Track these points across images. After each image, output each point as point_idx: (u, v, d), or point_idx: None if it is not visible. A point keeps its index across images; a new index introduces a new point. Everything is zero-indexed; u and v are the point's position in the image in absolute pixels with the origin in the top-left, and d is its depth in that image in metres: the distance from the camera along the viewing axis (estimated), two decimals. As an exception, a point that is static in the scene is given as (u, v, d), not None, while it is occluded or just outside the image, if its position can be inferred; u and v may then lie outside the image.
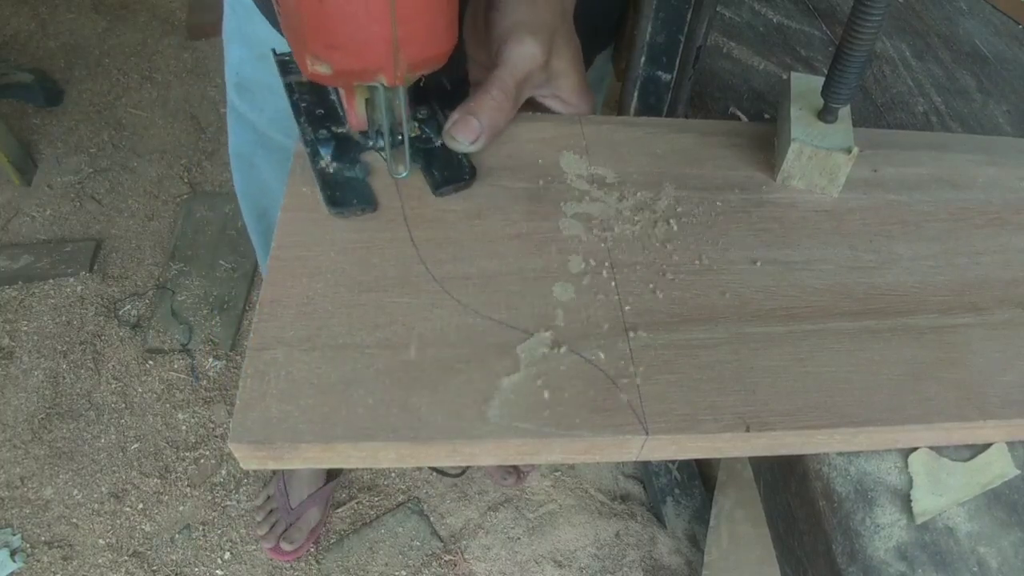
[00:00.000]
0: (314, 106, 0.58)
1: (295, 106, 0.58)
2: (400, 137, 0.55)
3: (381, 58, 0.46)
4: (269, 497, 1.36)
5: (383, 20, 0.44)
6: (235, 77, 0.82)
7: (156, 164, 1.99)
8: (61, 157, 1.96)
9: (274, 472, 1.38)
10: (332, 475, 1.41)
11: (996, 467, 0.49)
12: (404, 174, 0.55)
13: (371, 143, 0.56)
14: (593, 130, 0.64)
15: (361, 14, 0.43)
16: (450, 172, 0.56)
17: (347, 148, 0.57)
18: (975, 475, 0.49)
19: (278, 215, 0.84)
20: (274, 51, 0.61)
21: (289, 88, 0.59)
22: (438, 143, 0.58)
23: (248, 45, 0.79)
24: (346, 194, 0.54)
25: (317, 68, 0.46)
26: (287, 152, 0.81)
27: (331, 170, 0.55)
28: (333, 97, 0.58)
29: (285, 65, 0.61)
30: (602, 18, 0.81)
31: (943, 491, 0.48)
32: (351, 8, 0.43)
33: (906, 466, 0.49)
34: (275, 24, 0.74)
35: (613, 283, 0.52)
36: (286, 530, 1.31)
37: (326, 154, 0.55)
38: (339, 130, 0.57)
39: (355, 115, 0.53)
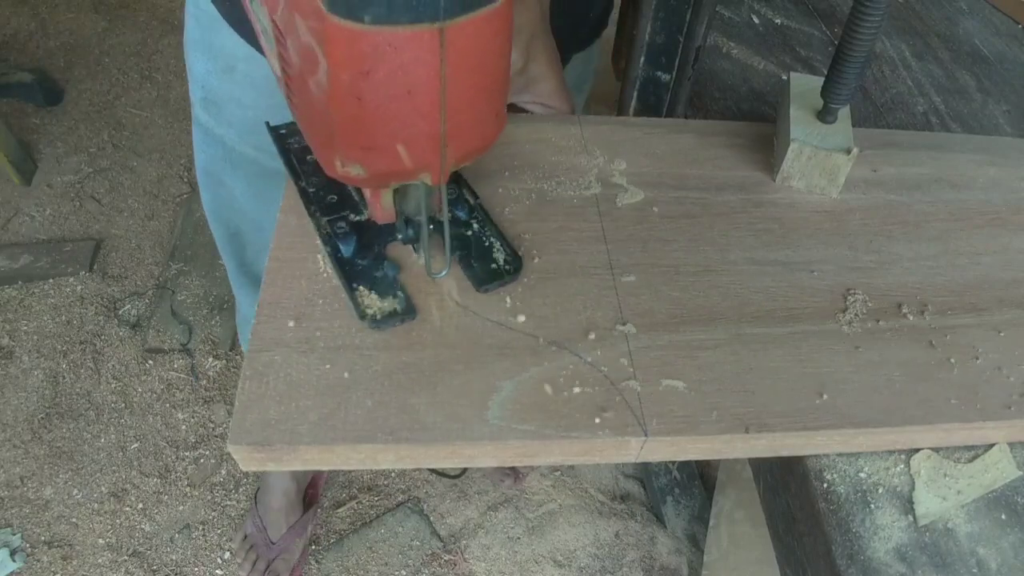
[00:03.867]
0: (324, 191, 0.52)
1: (303, 192, 0.52)
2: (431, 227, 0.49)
3: (426, 157, 0.41)
4: (246, 536, 1.32)
5: (431, 116, 0.38)
6: (200, 91, 0.77)
7: (156, 164, 1.99)
8: (61, 157, 1.96)
9: (249, 507, 1.36)
10: (309, 504, 1.38)
11: (998, 469, 0.49)
12: (444, 273, 0.50)
13: (399, 236, 0.50)
14: (592, 131, 0.64)
15: (406, 112, 0.37)
16: (489, 263, 0.51)
17: (369, 241, 0.51)
18: (977, 477, 0.49)
19: (252, 235, 0.82)
20: (268, 124, 0.57)
21: (292, 170, 0.53)
22: (471, 231, 0.53)
23: (213, 57, 0.74)
24: (376, 304, 0.48)
25: (348, 170, 0.41)
26: (259, 166, 0.78)
27: (357, 269, 0.49)
28: None
29: (283, 140, 0.56)
30: (581, 17, 0.81)
31: (946, 494, 0.48)
32: (395, 106, 0.37)
33: (906, 467, 0.49)
34: (245, 35, 0.69)
35: (613, 283, 0.52)
36: (269, 566, 1.29)
37: (347, 251, 0.50)
38: (357, 218, 0.51)
39: (380, 209, 0.47)
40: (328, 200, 0.52)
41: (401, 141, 0.39)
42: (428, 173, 0.42)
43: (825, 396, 0.47)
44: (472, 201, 0.54)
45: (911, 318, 0.53)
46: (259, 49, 0.52)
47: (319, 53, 0.35)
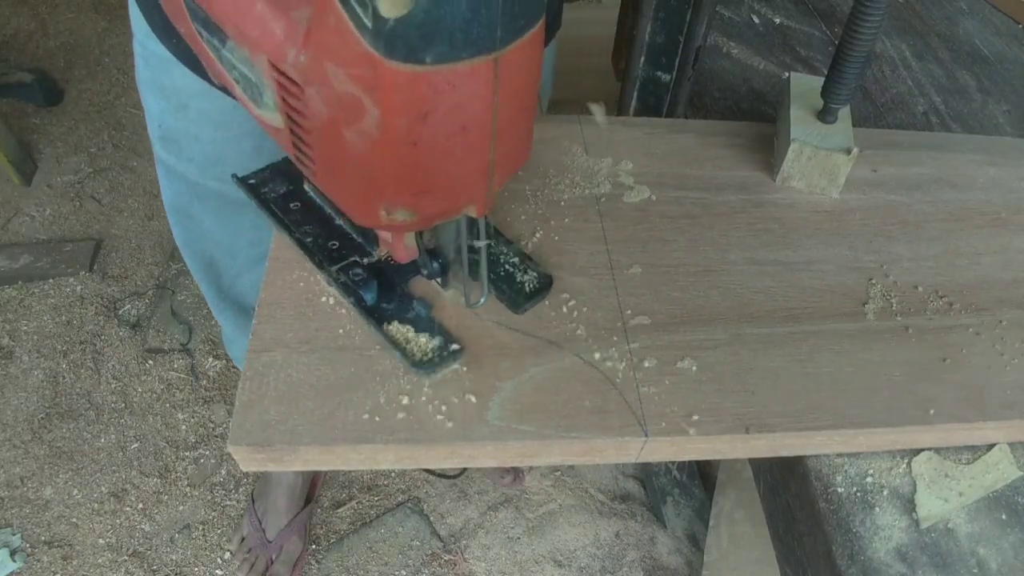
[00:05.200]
0: (321, 239, 0.50)
1: (300, 244, 0.50)
2: (458, 257, 0.47)
3: (475, 190, 0.39)
4: (243, 538, 1.31)
5: (483, 149, 0.37)
6: (158, 130, 0.76)
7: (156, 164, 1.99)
8: (61, 157, 1.96)
9: (246, 507, 1.36)
10: (308, 499, 1.37)
11: (999, 469, 0.49)
12: (483, 302, 0.48)
13: (424, 272, 0.48)
14: (592, 131, 0.64)
15: (460, 149, 0.36)
16: (520, 284, 0.50)
17: (390, 282, 0.48)
18: (979, 478, 0.49)
19: (225, 261, 0.80)
20: (235, 177, 0.54)
21: (279, 223, 0.51)
22: (492, 254, 0.51)
23: (166, 96, 0.72)
24: (421, 346, 0.46)
25: (395, 218, 0.38)
26: (225, 198, 0.78)
27: (387, 314, 0.47)
28: (340, 222, 0.51)
29: (257, 191, 0.53)
30: None
31: (948, 495, 0.48)
32: (449, 145, 0.35)
33: (907, 467, 0.49)
34: (198, 71, 0.66)
35: (613, 284, 0.52)
36: (268, 567, 1.28)
37: (371, 298, 0.47)
38: (367, 260, 0.49)
39: (404, 248, 0.45)
40: (330, 247, 0.50)
41: (454, 179, 0.37)
42: (474, 206, 0.40)
43: (825, 396, 0.47)
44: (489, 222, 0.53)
45: (911, 318, 0.53)
46: (221, 88, 0.50)
47: (367, 101, 0.32)
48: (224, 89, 0.49)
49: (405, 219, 0.39)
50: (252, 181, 0.54)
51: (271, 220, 0.52)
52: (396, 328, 0.46)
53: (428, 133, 0.34)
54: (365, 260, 0.49)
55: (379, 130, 0.33)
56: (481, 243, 0.44)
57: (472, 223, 0.43)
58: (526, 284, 0.50)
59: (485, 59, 0.32)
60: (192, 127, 0.73)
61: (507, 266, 0.51)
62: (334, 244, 0.50)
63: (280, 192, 0.53)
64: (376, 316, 0.47)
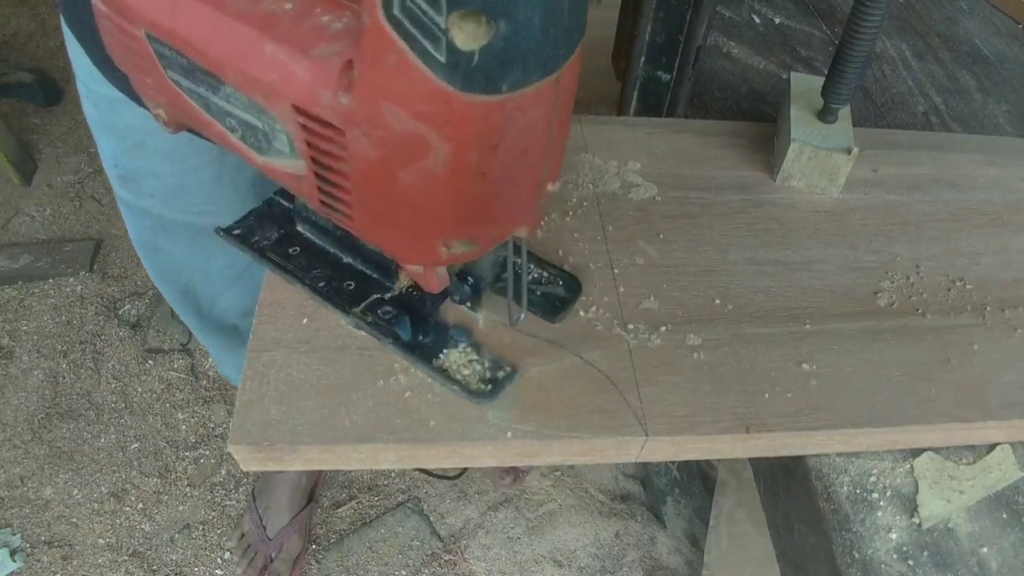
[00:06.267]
0: (335, 280, 0.48)
1: (314, 290, 0.47)
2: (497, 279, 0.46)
3: (529, 209, 0.38)
4: (243, 535, 1.31)
5: (539, 168, 0.36)
6: (115, 169, 0.74)
7: (156, 164, 1.99)
8: (61, 157, 1.96)
9: (247, 505, 1.35)
10: (310, 498, 1.36)
11: (1001, 469, 0.49)
12: (522, 317, 0.47)
13: (456, 298, 0.47)
14: (592, 130, 0.64)
15: (522, 172, 0.35)
16: (551, 293, 0.50)
17: (419, 314, 0.47)
18: (980, 478, 0.49)
19: (201, 285, 0.76)
20: (219, 230, 0.51)
21: (285, 272, 0.49)
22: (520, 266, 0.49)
23: (119, 137, 0.70)
24: (473, 373, 0.45)
25: (454, 251, 0.37)
26: (192, 228, 0.76)
27: (428, 347, 0.45)
28: (349, 260, 0.49)
29: (247, 241, 0.50)
30: None
31: (950, 496, 0.48)
32: (513, 170, 0.34)
33: (907, 467, 0.49)
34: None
35: (614, 283, 0.52)
36: (267, 565, 1.27)
37: (407, 334, 0.45)
38: (390, 295, 0.47)
39: (436, 277, 0.43)
40: (346, 288, 0.47)
41: (513, 202, 0.36)
42: (526, 225, 0.39)
43: (825, 396, 0.47)
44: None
45: (911, 318, 0.53)
46: (194, 133, 0.47)
47: (436, 138, 0.31)
48: (196, 134, 0.45)
49: (464, 250, 0.37)
50: (238, 231, 0.51)
51: (274, 271, 0.49)
52: (447, 361, 0.45)
53: (497, 162, 0.33)
54: (388, 295, 0.47)
55: (446, 166, 0.32)
56: (521, 259, 0.44)
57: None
58: (558, 293, 0.50)
59: (550, 79, 0.31)
60: (149, 164, 0.70)
61: (537, 276, 0.50)
62: (350, 284, 0.48)
63: (273, 238, 0.51)
64: (419, 352, 0.45)
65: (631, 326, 0.50)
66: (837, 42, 0.59)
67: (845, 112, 0.62)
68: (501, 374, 0.45)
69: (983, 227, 0.61)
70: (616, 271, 0.53)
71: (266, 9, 0.35)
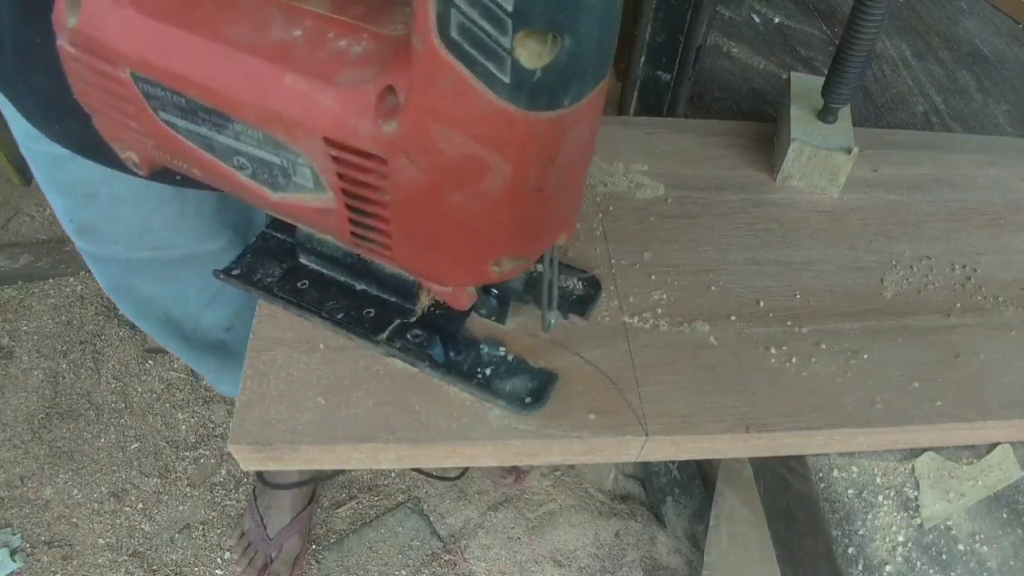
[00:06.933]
0: (354, 310, 0.47)
1: (334, 323, 0.46)
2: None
3: (572, 217, 0.38)
4: (243, 533, 1.31)
5: (583, 178, 0.36)
6: (70, 224, 0.71)
7: (156, 164, 1.98)
8: (61, 157, 1.96)
9: (248, 504, 1.35)
10: (311, 499, 1.37)
11: (1001, 469, 0.49)
12: (554, 322, 0.46)
13: (482, 312, 0.48)
14: (593, 130, 0.64)
15: (571, 183, 0.35)
16: (571, 295, 0.50)
17: (447, 332, 0.46)
18: (981, 478, 0.49)
19: (180, 310, 0.74)
20: (217, 273, 0.49)
21: (297, 307, 0.47)
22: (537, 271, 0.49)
23: (69, 192, 0.67)
24: (517, 385, 0.45)
25: (504, 269, 0.37)
26: (161, 262, 0.73)
27: (463, 367, 0.45)
28: (363, 287, 0.48)
29: (249, 280, 0.49)
30: None
31: (951, 496, 0.48)
32: (565, 182, 0.34)
33: (907, 466, 0.49)
34: (106, 159, 0.55)
35: (614, 283, 0.52)
36: (267, 565, 1.27)
37: (439, 355, 0.45)
38: (413, 318, 0.47)
39: (466, 295, 0.42)
40: (367, 316, 0.46)
41: (561, 213, 0.36)
42: (566, 232, 0.38)
43: (825, 396, 0.47)
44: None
45: (911, 318, 0.53)
46: (127, 171, 0.44)
47: (496, 159, 0.30)
48: (175, 174, 0.43)
49: (513, 266, 0.37)
50: (237, 271, 0.49)
51: (286, 308, 0.47)
52: (487, 378, 0.45)
53: (553, 176, 0.32)
54: (413, 318, 0.46)
55: (504, 185, 0.31)
56: (554, 265, 0.43)
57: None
58: (577, 295, 0.50)
59: (600, 88, 0.31)
60: (107, 211, 0.68)
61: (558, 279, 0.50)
62: (369, 312, 0.46)
63: (277, 275, 0.49)
64: (456, 372, 0.45)
65: (631, 325, 0.50)
66: (837, 42, 0.59)
67: (845, 112, 0.62)
68: (543, 381, 0.45)
69: (983, 227, 0.61)
70: (616, 271, 0.53)
71: (275, 38, 0.33)
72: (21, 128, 0.61)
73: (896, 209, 0.62)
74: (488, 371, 0.45)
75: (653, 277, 0.53)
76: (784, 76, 0.82)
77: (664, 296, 0.52)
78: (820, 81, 0.61)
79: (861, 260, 0.57)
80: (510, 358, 0.46)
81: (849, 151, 0.59)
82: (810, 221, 0.60)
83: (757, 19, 0.91)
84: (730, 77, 0.81)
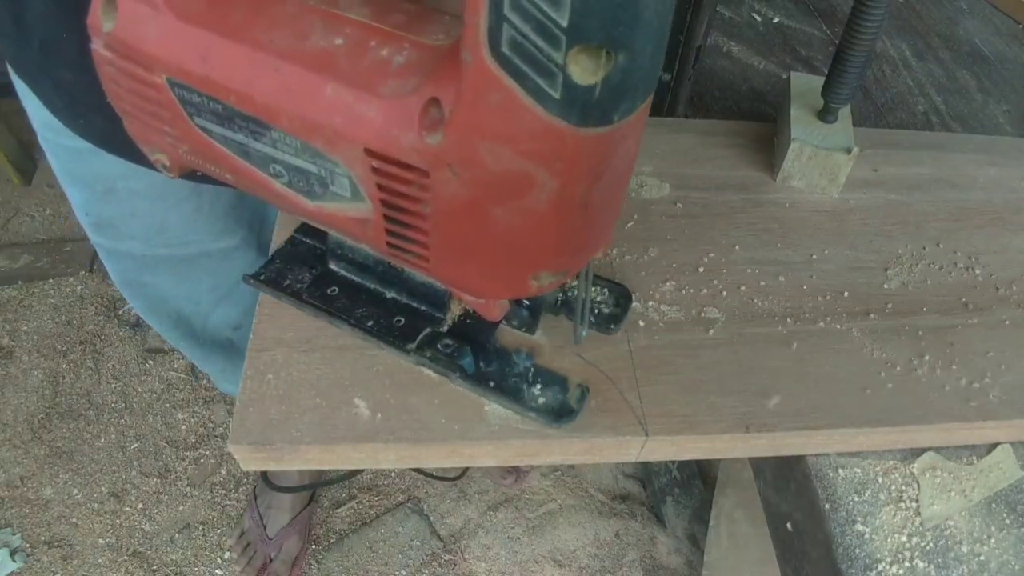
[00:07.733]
0: (384, 319, 0.46)
1: (364, 330, 0.46)
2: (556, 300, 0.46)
3: (611, 230, 0.38)
4: (243, 532, 1.31)
5: (624, 190, 0.35)
6: (87, 217, 0.72)
7: (156, 164, 1.98)
8: (61, 157, 1.96)
9: (248, 503, 1.35)
10: (311, 499, 1.37)
11: (1001, 469, 0.49)
12: (585, 333, 0.46)
13: (514, 323, 0.47)
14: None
15: (615, 197, 0.35)
16: (604, 307, 0.50)
17: (479, 342, 0.46)
18: (982, 478, 0.49)
19: (190, 309, 0.74)
20: (246, 277, 0.49)
21: (328, 315, 0.47)
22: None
23: (88, 185, 0.68)
24: (548, 397, 0.44)
25: (543, 283, 0.36)
26: (176, 259, 0.74)
27: (495, 377, 0.45)
28: (393, 295, 0.47)
29: (279, 286, 0.48)
30: None
31: (951, 496, 0.48)
32: (609, 196, 0.34)
33: (908, 466, 0.49)
34: (129, 153, 0.55)
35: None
36: (266, 564, 1.28)
37: (471, 366, 0.45)
38: (444, 328, 0.46)
39: (498, 306, 0.41)
40: (396, 324, 0.46)
41: (603, 227, 0.36)
42: (604, 246, 0.38)
43: (825, 395, 0.47)
44: None
45: (911, 317, 0.53)
46: (151, 167, 0.44)
47: (543, 174, 0.30)
48: (209, 179, 0.43)
49: (553, 281, 0.37)
50: (264, 277, 0.49)
51: (316, 315, 0.47)
52: (521, 390, 0.45)
53: (599, 191, 0.32)
54: (443, 328, 0.46)
55: (550, 200, 0.31)
56: (588, 278, 0.43)
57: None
58: (611, 308, 0.50)
59: (646, 103, 0.30)
60: (125, 206, 0.68)
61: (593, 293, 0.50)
62: (399, 320, 0.46)
63: (307, 281, 0.48)
64: (488, 383, 0.44)
65: (631, 325, 0.50)
66: (837, 42, 0.59)
67: (845, 112, 0.62)
68: (575, 392, 0.45)
69: (983, 227, 0.61)
70: (616, 271, 0.53)
71: (316, 46, 0.33)
72: (41, 119, 0.61)
73: (896, 209, 0.62)
74: (519, 382, 0.45)
75: (653, 276, 0.53)
76: (784, 76, 0.82)
77: (664, 296, 0.52)
78: (820, 81, 0.61)
79: (861, 260, 0.57)
80: (540, 369, 0.46)
81: (849, 151, 0.59)
82: (810, 221, 0.60)
83: (757, 19, 0.91)
84: (730, 77, 0.81)
